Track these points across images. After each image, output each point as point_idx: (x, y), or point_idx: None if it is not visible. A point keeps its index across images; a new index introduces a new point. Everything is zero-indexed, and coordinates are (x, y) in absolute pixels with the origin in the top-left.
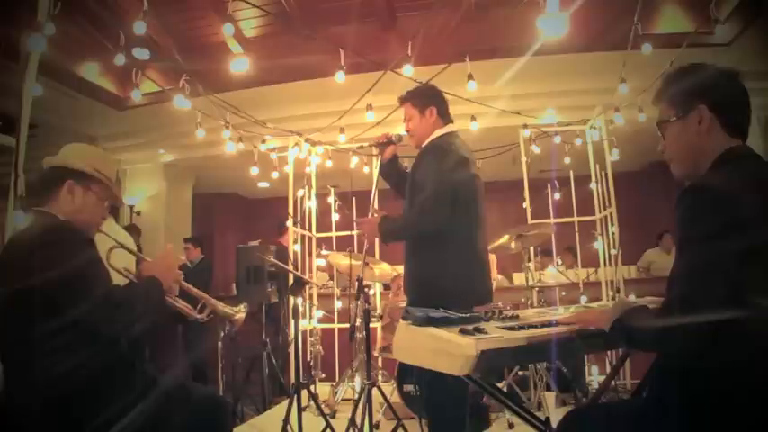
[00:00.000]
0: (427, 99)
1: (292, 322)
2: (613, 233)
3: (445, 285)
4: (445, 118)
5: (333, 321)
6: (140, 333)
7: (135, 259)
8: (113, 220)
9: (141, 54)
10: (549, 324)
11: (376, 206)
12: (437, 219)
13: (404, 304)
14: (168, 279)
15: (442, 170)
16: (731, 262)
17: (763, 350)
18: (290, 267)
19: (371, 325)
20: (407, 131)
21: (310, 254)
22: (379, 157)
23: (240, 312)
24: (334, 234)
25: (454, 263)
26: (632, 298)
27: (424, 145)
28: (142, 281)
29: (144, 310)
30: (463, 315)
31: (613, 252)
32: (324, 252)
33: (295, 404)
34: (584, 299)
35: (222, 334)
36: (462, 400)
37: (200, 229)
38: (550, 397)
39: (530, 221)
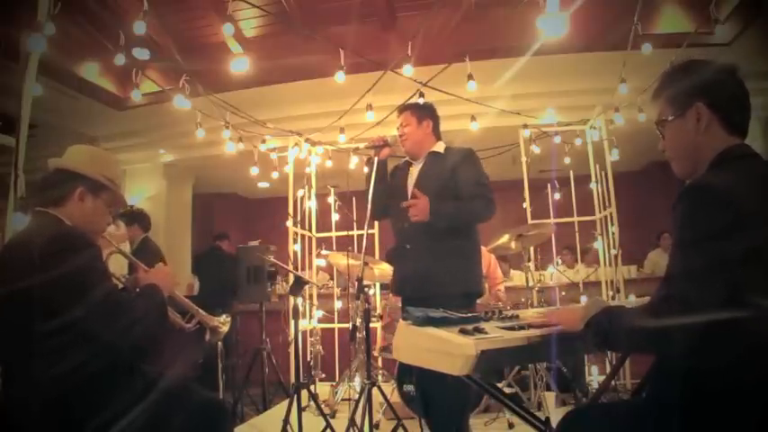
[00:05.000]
0: (425, 112)
1: (292, 322)
2: (613, 233)
3: (478, 271)
4: (437, 134)
5: (333, 321)
6: (143, 335)
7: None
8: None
9: (141, 54)
10: (548, 324)
11: (369, 205)
12: (493, 212)
13: None
14: (167, 288)
15: (484, 172)
16: (730, 261)
17: (761, 350)
18: None
19: (371, 325)
20: (401, 136)
21: (310, 254)
22: (375, 158)
23: (225, 324)
24: (334, 234)
25: (479, 251)
26: (632, 298)
27: (439, 150)
28: (143, 289)
29: (144, 317)
30: (463, 315)
31: (613, 252)
32: (324, 252)
33: (295, 404)
34: (584, 299)
35: (205, 345)
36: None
37: (200, 229)
38: (550, 397)
39: (530, 221)
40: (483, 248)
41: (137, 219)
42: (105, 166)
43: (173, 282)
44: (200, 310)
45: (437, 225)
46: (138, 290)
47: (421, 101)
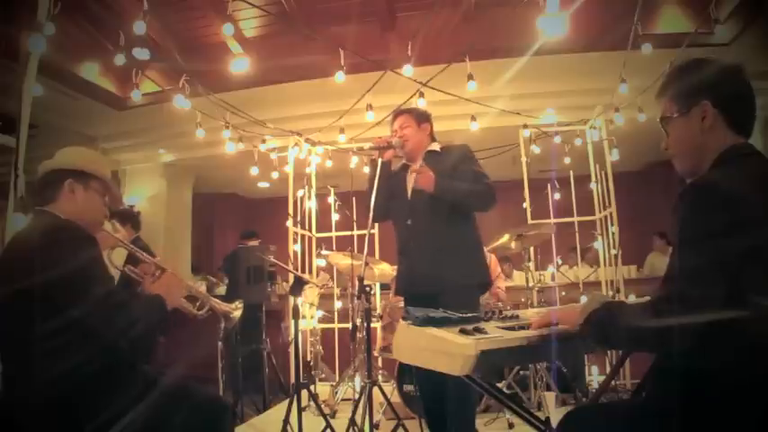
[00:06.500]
0: (424, 117)
1: (292, 322)
2: (613, 233)
3: (483, 262)
4: (433, 136)
5: (333, 321)
6: (142, 334)
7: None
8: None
9: (141, 54)
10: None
11: (372, 205)
12: (493, 201)
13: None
14: (172, 299)
15: (481, 167)
16: (733, 261)
17: (762, 350)
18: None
19: (371, 325)
20: (401, 137)
21: (310, 254)
22: (380, 159)
23: (237, 310)
24: (334, 234)
25: (481, 244)
26: (632, 298)
27: (436, 149)
28: (146, 298)
29: (144, 316)
30: (463, 315)
31: (613, 252)
32: (324, 252)
33: (295, 404)
34: (584, 299)
35: (221, 333)
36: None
37: (200, 229)
38: (550, 397)
39: (530, 221)
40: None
41: (127, 218)
42: (91, 159)
43: (180, 293)
44: (211, 297)
45: (440, 196)
46: (141, 295)
47: (421, 102)
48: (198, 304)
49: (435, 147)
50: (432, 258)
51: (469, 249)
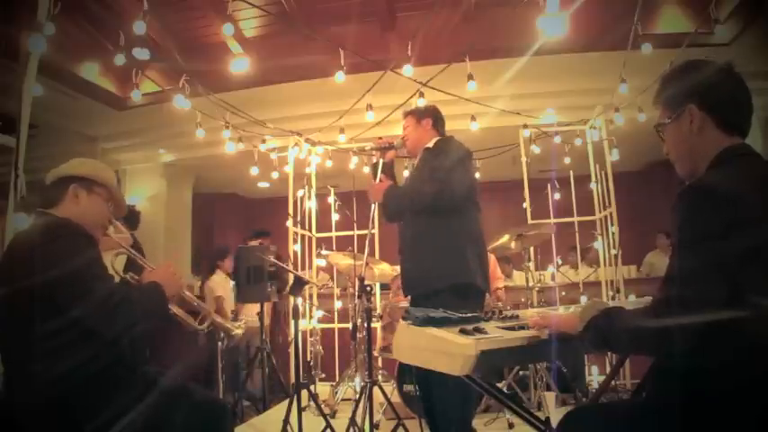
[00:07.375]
0: (423, 112)
1: (292, 322)
2: (613, 233)
3: (465, 263)
4: (439, 129)
5: (333, 321)
6: (140, 335)
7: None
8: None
9: (141, 54)
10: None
11: (373, 207)
12: (455, 194)
13: (404, 304)
14: (171, 288)
15: (462, 159)
16: (730, 262)
17: (761, 350)
18: None
19: (371, 325)
20: (403, 138)
21: (310, 254)
22: (381, 159)
23: (238, 329)
24: (334, 234)
25: (473, 245)
26: (632, 298)
27: (429, 146)
28: (144, 285)
29: (144, 312)
30: (463, 315)
31: (613, 252)
32: (324, 252)
33: (295, 404)
34: (584, 299)
35: (220, 344)
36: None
37: (200, 229)
38: (550, 397)
39: (530, 221)
40: None
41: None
42: (97, 167)
43: (178, 281)
44: (212, 312)
45: (389, 205)
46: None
47: (421, 102)
48: (199, 318)
49: (430, 143)
50: (411, 260)
51: (444, 251)
